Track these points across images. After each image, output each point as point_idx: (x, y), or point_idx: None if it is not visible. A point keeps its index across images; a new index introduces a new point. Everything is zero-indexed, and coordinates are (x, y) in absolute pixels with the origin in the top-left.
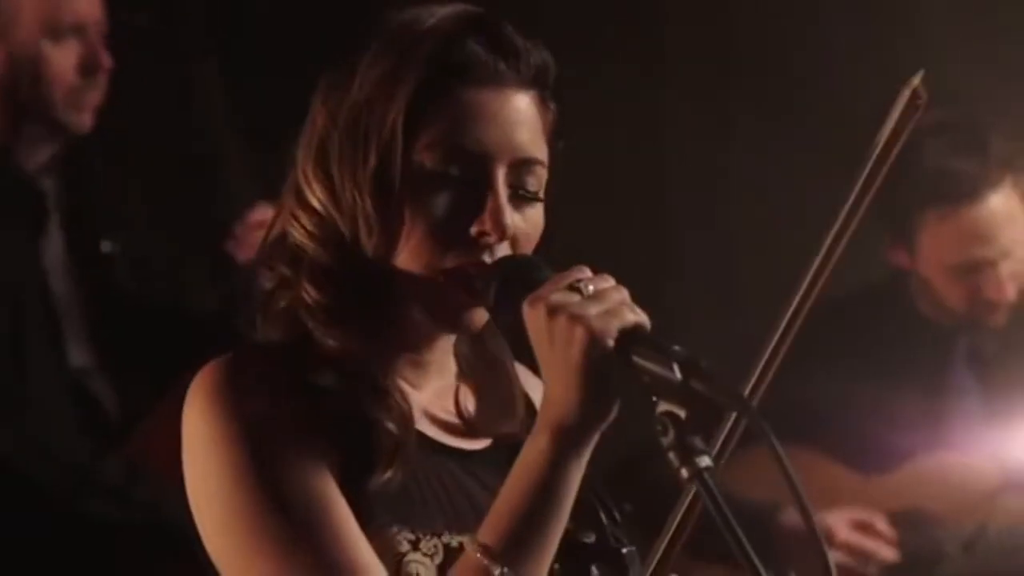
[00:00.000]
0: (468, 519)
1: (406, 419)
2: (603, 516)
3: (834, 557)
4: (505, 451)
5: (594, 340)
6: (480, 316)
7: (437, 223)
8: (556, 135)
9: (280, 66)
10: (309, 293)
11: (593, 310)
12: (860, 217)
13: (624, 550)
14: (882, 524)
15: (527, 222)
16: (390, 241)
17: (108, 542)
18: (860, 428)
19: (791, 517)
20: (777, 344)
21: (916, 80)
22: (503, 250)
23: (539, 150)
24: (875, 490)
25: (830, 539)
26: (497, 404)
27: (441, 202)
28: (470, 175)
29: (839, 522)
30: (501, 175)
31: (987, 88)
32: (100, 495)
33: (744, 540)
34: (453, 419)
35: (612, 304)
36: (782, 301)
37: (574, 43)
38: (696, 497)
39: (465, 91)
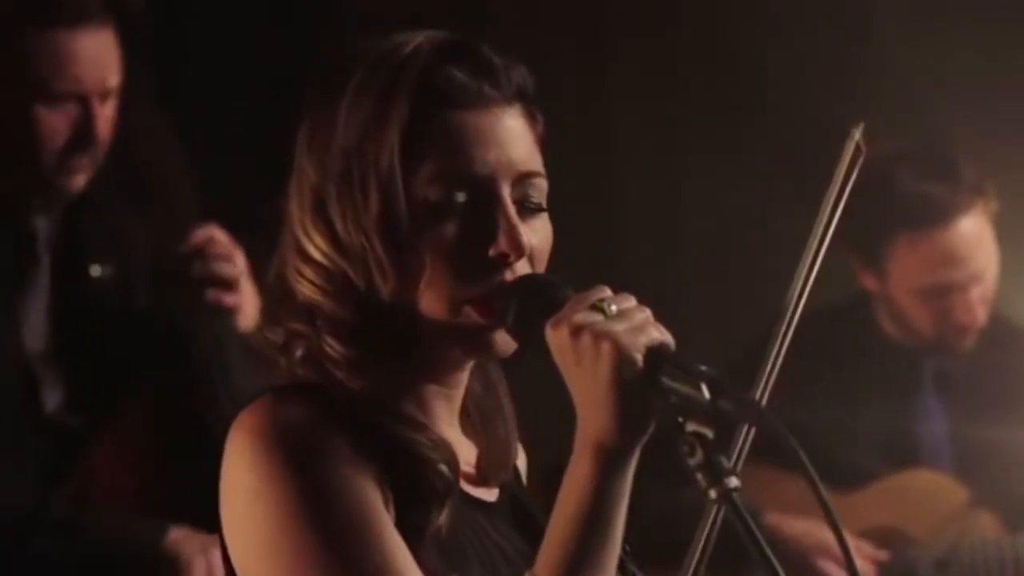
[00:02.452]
0: (502, 571)
1: (454, 459)
2: None
3: (834, 570)
4: (508, 501)
5: (622, 355)
6: (504, 338)
7: (452, 252)
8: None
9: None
10: (334, 348)
11: (618, 327)
12: (823, 257)
13: None
14: (869, 549)
15: (538, 234)
16: (407, 281)
17: None
18: (827, 448)
19: (773, 520)
20: (771, 369)
21: (857, 134)
22: (523, 266)
23: (536, 162)
24: (846, 508)
25: (825, 552)
26: (498, 449)
27: (452, 231)
28: (476, 199)
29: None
30: (506, 193)
31: (940, 101)
32: (44, 531)
33: (773, 559)
34: (470, 468)
35: (637, 322)
36: (771, 320)
37: (522, 58)
38: (716, 517)
39: (454, 117)
